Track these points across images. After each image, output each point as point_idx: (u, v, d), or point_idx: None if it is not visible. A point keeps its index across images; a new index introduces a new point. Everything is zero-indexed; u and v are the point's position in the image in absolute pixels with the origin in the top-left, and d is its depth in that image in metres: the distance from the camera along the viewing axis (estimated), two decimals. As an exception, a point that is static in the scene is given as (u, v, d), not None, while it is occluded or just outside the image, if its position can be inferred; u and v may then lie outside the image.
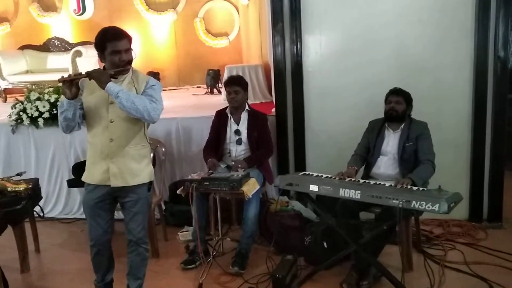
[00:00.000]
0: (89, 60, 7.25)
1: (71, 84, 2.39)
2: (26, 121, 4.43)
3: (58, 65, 7.30)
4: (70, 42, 8.14)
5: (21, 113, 4.44)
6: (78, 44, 7.82)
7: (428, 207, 2.47)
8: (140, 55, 8.80)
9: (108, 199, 2.62)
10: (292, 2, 3.95)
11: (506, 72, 3.79)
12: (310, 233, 3.32)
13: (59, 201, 4.59)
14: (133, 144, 2.55)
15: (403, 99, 3.28)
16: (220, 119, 3.74)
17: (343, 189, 2.75)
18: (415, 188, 2.80)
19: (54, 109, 4.29)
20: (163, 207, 4.33)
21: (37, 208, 3.72)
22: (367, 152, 3.41)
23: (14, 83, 7.22)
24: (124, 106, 2.37)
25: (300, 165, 4.15)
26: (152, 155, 3.89)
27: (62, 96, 2.54)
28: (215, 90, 7.00)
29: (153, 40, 8.85)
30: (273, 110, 4.29)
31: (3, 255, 3.57)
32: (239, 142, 3.64)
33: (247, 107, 3.70)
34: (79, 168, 3.58)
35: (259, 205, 3.44)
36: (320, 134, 4.13)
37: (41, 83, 5.55)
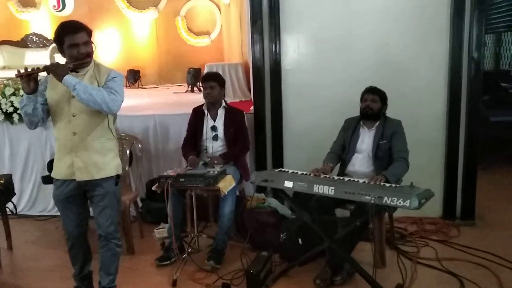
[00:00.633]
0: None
1: (29, 79, 2.35)
2: (1, 117, 4.36)
3: (36, 61, 7.19)
4: (49, 38, 8.03)
5: (-5, 108, 4.37)
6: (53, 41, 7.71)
7: (400, 203, 2.50)
8: (121, 53, 8.79)
9: (78, 194, 2.60)
10: (271, 1, 3.97)
11: (479, 73, 3.86)
12: (285, 230, 3.33)
13: (33, 198, 4.52)
14: (97, 137, 2.53)
15: (379, 97, 3.33)
16: (196, 116, 3.74)
17: (317, 186, 2.77)
18: (388, 184, 2.83)
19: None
20: (140, 204, 4.30)
21: (10, 205, 3.67)
22: (343, 150, 3.44)
23: (-10, 79, 7.11)
24: (82, 99, 2.35)
25: (278, 162, 4.16)
26: (128, 151, 3.89)
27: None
28: (195, 88, 6.99)
29: (134, 38, 8.82)
30: (252, 108, 4.30)
31: (-25, 252, 3.52)
32: (215, 138, 3.64)
33: (224, 104, 3.70)
34: (54, 164, 3.54)
35: (235, 202, 3.45)
36: (298, 131, 4.15)
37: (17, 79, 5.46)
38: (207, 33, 8.71)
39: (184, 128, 3.89)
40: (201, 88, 6.50)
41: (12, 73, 2.50)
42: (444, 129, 4.00)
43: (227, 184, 3.28)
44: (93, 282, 2.85)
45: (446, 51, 3.90)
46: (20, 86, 4.41)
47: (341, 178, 3.01)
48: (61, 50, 2.47)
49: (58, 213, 2.76)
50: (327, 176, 3.02)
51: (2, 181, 3.36)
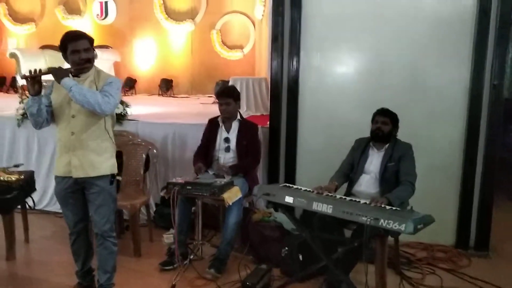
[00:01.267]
0: (103, 63, 7.45)
1: (34, 81, 2.55)
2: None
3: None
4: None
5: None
6: (96, 48, 8.02)
7: (395, 226, 2.48)
8: (156, 62, 9.06)
9: (76, 190, 2.75)
10: (292, 20, 4.04)
11: (500, 100, 3.78)
12: (287, 245, 3.34)
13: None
14: (93, 138, 2.69)
15: (390, 120, 3.31)
16: (211, 127, 3.82)
17: (317, 203, 2.78)
18: (388, 207, 2.81)
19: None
20: (154, 208, 4.42)
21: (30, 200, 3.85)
22: (351, 169, 3.43)
23: (32, 81, 7.46)
24: (76, 99, 2.52)
25: (290, 178, 4.19)
26: (144, 156, 4.01)
27: None
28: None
29: (169, 48, 9.08)
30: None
31: (-5, 242, 3.71)
32: (227, 149, 3.71)
33: (238, 117, 3.77)
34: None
35: (240, 214, 3.49)
36: (312, 149, 4.17)
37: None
38: (241, 47, 8.85)
39: (201, 137, 3.98)
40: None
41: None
42: (462, 155, 3.92)
43: (232, 195, 3.34)
44: (95, 280, 2.96)
45: (467, 77, 3.84)
46: None
47: (343, 197, 3.00)
48: (65, 56, 2.67)
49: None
50: (330, 194, 3.03)
51: (22, 177, 3.53)
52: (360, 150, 3.42)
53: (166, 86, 8.67)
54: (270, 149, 4.24)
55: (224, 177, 3.54)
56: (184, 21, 8.91)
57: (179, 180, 3.38)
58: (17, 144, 4.77)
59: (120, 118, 4.56)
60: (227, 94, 3.74)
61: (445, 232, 3.97)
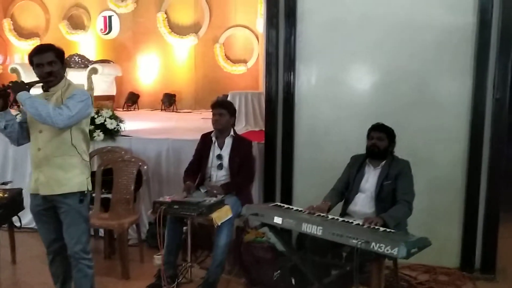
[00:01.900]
0: (104, 78, 7.43)
1: None
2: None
3: (76, 80, 7.39)
4: (90, 59, 8.36)
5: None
6: (97, 62, 8.02)
7: (387, 250, 2.33)
8: (159, 77, 9.02)
9: (49, 208, 2.67)
10: (287, 32, 3.93)
11: (504, 114, 3.61)
12: (280, 268, 3.19)
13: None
14: (59, 154, 2.61)
15: (386, 135, 3.16)
16: (204, 142, 3.71)
17: (306, 224, 2.64)
18: (382, 229, 2.65)
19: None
20: (147, 228, 4.29)
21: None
22: (346, 188, 3.28)
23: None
24: (30, 112, 2.50)
25: (287, 195, 4.05)
26: (135, 173, 3.89)
27: None
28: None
29: (173, 62, 9.02)
30: (265, 138, 4.22)
31: (-22, 263, 3.61)
32: (220, 167, 3.58)
33: (232, 133, 3.65)
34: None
35: (230, 234, 3.35)
36: (309, 164, 4.02)
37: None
38: (244, 61, 8.74)
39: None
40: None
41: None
42: (465, 170, 3.74)
43: (222, 215, 3.20)
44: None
45: (469, 89, 3.68)
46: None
47: (335, 218, 2.85)
48: (33, 69, 2.59)
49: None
50: (322, 214, 2.88)
51: (7, 195, 3.45)
52: (356, 168, 3.27)
53: (169, 101, 8.58)
54: (266, 165, 4.10)
55: (216, 196, 3.41)
56: (187, 35, 8.84)
57: (167, 199, 3.25)
58: (8, 160, 4.69)
59: (114, 133, 4.48)
60: (221, 105, 3.65)
61: (449, 253, 3.78)
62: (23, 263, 3.83)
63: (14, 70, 7.25)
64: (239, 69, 8.73)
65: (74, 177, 2.63)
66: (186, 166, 4.21)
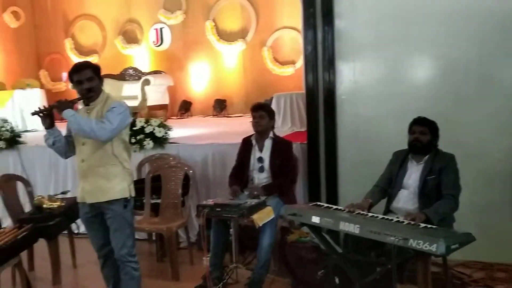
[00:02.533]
0: (156, 88, 7.70)
1: (45, 116, 2.67)
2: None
3: (131, 92, 7.83)
4: (143, 71, 8.70)
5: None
6: (149, 74, 8.34)
7: (426, 246, 2.26)
8: (210, 83, 9.23)
9: (96, 215, 2.82)
10: (325, 30, 3.91)
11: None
12: (323, 267, 3.17)
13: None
14: (101, 164, 2.75)
15: (428, 129, 3.05)
16: (245, 146, 3.76)
17: (344, 223, 2.61)
18: (422, 225, 2.57)
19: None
20: (197, 230, 4.41)
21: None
22: (389, 184, 3.21)
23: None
24: (74, 128, 2.70)
25: (332, 194, 4.01)
26: (182, 178, 4.01)
27: None
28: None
29: (222, 68, 9.19)
30: (308, 138, 4.21)
31: (43, 268, 3.87)
32: (261, 169, 3.62)
33: (271, 135, 3.68)
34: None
35: (273, 235, 3.37)
36: (354, 163, 3.97)
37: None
38: (292, 63, 8.74)
39: (237, 157, 3.93)
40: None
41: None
42: (516, 163, 3.54)
43: (263, 216, 3.23)
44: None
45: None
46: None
47: (375, 215, 2.79)
48: (74, 87, 2.73)
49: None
50: (362, 212, 2.83)
51: (63, 204, 3.68)
52: (398, 163, 3.19)
53: (220, 107, 8.76)
54: (310, 166, 4.09)
55: (259, 198, 3.45)
56: (235, 41, 8.99)
57: (210, 202, 3.34)
58: (67, 170, 4.98)
59: (162, 141, 4.65)
60: (260, 108, 3.69)
61: (506, 249, 3.58)
62: (83, 267, 4.06)
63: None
64: (288, 70, 8.74)
65: (116, 185, 2.77)
66: (230, 169, 4.32)
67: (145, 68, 9.11)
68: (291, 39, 8.78)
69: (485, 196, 3.59)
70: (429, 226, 2.56)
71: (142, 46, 9.63)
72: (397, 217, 2.82)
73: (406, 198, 3.07)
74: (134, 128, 4.59)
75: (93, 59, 9.74)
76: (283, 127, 5.93)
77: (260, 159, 3.63)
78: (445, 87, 3.68)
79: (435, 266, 3.32)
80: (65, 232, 4.01)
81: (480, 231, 3.48)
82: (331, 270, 3.12)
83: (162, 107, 8.08)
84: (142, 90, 7.49)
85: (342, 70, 3.95)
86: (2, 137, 5.20)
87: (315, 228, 2.90)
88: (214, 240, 3.46)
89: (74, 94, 2.86)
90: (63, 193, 4.07)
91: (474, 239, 2.43)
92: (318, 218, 2.74)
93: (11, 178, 4.16)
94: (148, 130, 4.63)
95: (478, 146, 3.59)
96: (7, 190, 3.91)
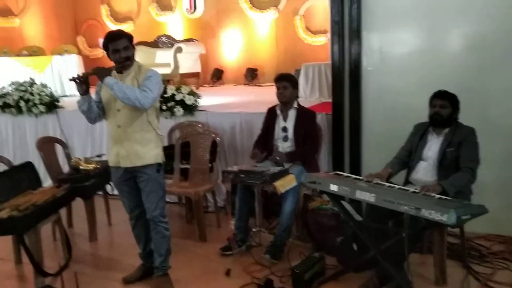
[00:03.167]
0: (189, 56, 7.81)
1: (81, 83, 2.78)
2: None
3: (164, 60, 7.98)
4: (176, 39, 8.82)
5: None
6: (182, 41, 8.44)
7: (437, 216, 2.34)
8: (242, 52, 9.28)
9: (129, 178, 2.98)
10: (352, 1, 3.89)
11: None
12: (343, 234, 3.30)
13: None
14: (137, 130, 2.87)
15: (449, 102, 3.08)
16: (270, 116, 3.87)
17: (360, 191, 2.71)
18: (437, 196, 2.64)
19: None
20: (225, 196, 4.60)
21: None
22: (409, 156, 3.27)
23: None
24: (118, 97, 2.73)
25: (356, 165, 4.09)
26: (209, 145, 4.17)
27: None
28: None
29: (254, 37, 9.21)
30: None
31: (80, 225, 4.18)
32: (285, 139, 3.73)
33: (295, 105, 3.76)
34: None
35: (295, 201, 3.51)
36: (377, 135, 4.02)
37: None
38: (325, 32, 8.64)
39: (262, 126, 4.04)
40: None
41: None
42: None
43: (285, 183, 3.36)
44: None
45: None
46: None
47: (392, 185, 2.88)
48: (108, 55, 2.85)
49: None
50: (379, 182, 2.92)
51: (98, 166, 3.91)
52: (418, 136, 3.24)
53: (251, 76, 8.84)
54: (334, 136, 4.17)
55: (283, 166, 3.58)
56: (267, 9, 8.96)
57: (235, 168, 3.49)
58: (103, 135, 5.23)
59: (192, 108, 4.80)
60: (284, 78, 3.77)
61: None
62: (117, 225, 4.34)
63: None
64: (320, 40, 8.68)
65: (151, 150, 2.92)
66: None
67: (178, 36, 9.23)
68: (324, 8, 8.64)
69: (506, 170, 3.59)
70: (444, 197, 2.62)
71: (176, 14, 9.72)
72: (415, 188, 2.90)
73: (425, 170, 3.13)
74: (165, 96, 4.75)
75: (127, 26, 9.94)
76: (311, 97, 5.99)
77: (285, 129, 3.74)
78: (475, 60, 3.64)
79: (454, 237, 3.42)
80: (100, 192, 4.26)
81: (503, 205, 3.56)
82: (350, 237, 3.26)
83: (194, 75, 8.21)
84: (175, 57, 7.62)
85: (369, 41, 3.95)
86: (42, 102, 5.47)
87: (334, 196, 3.00)
88: (239, 204, 3.63)
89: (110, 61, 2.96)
90: (98, 156, 4.30)
91: (486, 211, 2.49)
92: (336, 186, 2.84)
93: (50, 141, 4.44)
94: (178, 97, 4.78)
95: (503, 120, 3.57)
96: (47, 152, 4.18)
